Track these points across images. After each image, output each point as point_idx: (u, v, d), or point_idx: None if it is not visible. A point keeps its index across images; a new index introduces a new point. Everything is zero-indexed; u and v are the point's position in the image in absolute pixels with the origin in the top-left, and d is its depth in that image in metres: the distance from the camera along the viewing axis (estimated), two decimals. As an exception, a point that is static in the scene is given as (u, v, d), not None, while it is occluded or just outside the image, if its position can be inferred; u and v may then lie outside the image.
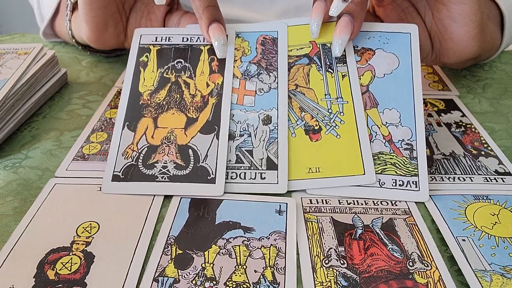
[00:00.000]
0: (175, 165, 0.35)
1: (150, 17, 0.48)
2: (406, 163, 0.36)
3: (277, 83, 0.39)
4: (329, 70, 0.39)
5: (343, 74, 0.39)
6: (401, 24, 0.41)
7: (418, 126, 0.37)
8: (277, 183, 0.35)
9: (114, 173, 0.35)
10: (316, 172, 0.35)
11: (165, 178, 0.35)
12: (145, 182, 0.35)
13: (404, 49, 0.40)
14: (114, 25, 0.47)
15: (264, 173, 0.35)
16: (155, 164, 0.36)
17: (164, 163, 0.36)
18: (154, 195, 0.34)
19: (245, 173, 0.35)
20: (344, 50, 0.39)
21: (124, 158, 0.36)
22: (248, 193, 0.35)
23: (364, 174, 0.35)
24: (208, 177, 0.35)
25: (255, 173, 0.35)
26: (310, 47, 0.41)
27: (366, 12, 0.45)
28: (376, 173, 0.35)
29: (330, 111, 0.38)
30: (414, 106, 0.37)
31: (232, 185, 0.35)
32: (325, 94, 0.38)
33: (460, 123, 0.44)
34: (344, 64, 0.39)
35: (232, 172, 0.36)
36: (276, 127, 0.37)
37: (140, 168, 0.36)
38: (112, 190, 0.35)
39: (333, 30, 0.38)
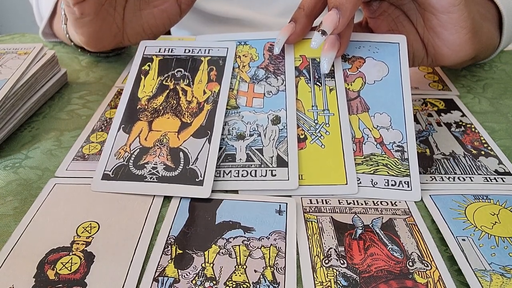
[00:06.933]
0: (164, 166, 0.36)
1: (141, 13, 0.49)
2: (397, 164, 0.36)
3: (285, 85, 0.40)
4: (317, 83, 0.40)
5: (330, 88, 0.40)
6: (390, 35, 0.42)
7: (408, 129, 0.38)
8: (288, 179, 0.35)
9: (105, 172, 0.36)
10: (299, 179, 0.35)
11: (153, 179, 0.35)
12: (134, 182, 0.35)
13: (393, 57, 0.41)
14: (108, 29, 0.48)
15: (275, 170, 0.36)
16: (145, 165, 0.36)
17: (154, 164, 0.36)
18: (154, 195, 0.34)
19: (255, 170, 0.36)
20: (333, 65, 0.41)
21: (116, 158, 0.36)
22: (260, 190, 0.35)
23: (347, 184, 0.35)
24: (196, 179, 0.35)
25: (266, 170, 0.36)
26: (300, 60, 0.42)
27: (357, 26, 0.47)
28: (368, 174, 0.36)
29: (316, 121, 0.38)
30: (404, 110, 0.39)
31: (244, 183, 0.35)
32: (312, 106, 0.39)
33: (460, 123, 0.44)
34: (332, 79, 0.40)
35: (243, 170, 0.36)
36: (285, 127, 0.38)
37: (130, 168, 0.36)
38: (101, 188, 0.35)
39: (321, 47, 0.39)
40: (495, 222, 0.33)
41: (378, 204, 0.34)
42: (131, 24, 0.49)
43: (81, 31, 0.47)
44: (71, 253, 0.30)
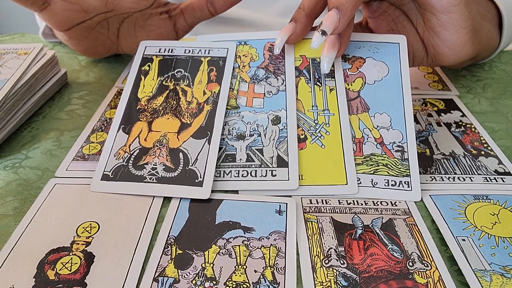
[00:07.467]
0: (164, 167, 0.36)
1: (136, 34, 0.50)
2: (398, 164, 0.36)
3: (285, 85, 0.40)
4: (318, 83, 0.40)
5: (330, 88, 0.40)
6: (390, 35, 0.43)
7: (409, 129, 0.38)
8: (288, 179, 0.35)
9: (104, 172, 0.36)
10: (299, 179, 0.35)
11: (153, 179, 0.35)
12: (133, 183, 0.35)
13: (393, 58, 0.41)
14: (101, 44, 0.50)
15: (275, 170, 0.36)
16: (145, 166, 0.36)
17: (153, 165, 0.36)
18: (154, 196, 0.34)
19: (256, 171, 0.36)
20: (333, 66, 0.41)
21: (116, 159, 0.36)
22: (260, 190, 0.35)
23: (347, 184, 0.35)
24: (196, 180, 0.35)
25: (266, 170, 0.36)
26: (300, 60, 0.42)
27: (357, 26, 0.47)
28: (368, 174, 0.36)
29: (316, 122, 0.38)
30: (404, 110, 0.39)
31: (244, 183, 0.35)
32: (312, 106, 0.39)
33: (460, 123, 0.44)
34: (332, 79, 0.40)
35: (243, 170, 0.36)
36: (286, 127, 0.38)
37: (130, 169, 0.36)
38: (100, 188, 0.35)
39: (321, 47, 0.39)
40: (495, 222, 0.33)
41: (378, 204, 0.34)
42: (125, 41, 0.50)
43: (74, 48, 0.50)
44: (71, 253, 0.30)
